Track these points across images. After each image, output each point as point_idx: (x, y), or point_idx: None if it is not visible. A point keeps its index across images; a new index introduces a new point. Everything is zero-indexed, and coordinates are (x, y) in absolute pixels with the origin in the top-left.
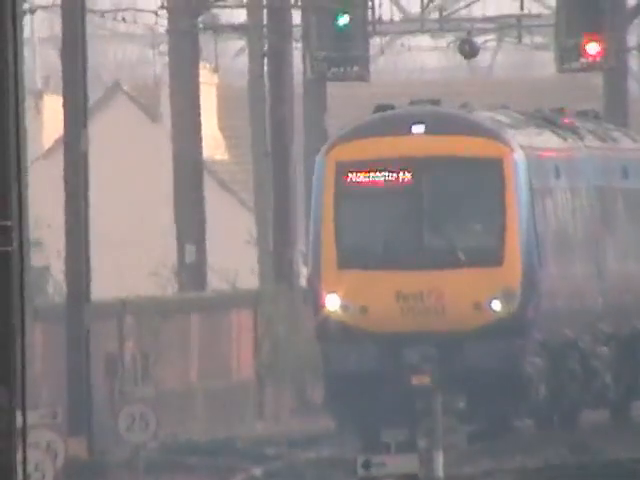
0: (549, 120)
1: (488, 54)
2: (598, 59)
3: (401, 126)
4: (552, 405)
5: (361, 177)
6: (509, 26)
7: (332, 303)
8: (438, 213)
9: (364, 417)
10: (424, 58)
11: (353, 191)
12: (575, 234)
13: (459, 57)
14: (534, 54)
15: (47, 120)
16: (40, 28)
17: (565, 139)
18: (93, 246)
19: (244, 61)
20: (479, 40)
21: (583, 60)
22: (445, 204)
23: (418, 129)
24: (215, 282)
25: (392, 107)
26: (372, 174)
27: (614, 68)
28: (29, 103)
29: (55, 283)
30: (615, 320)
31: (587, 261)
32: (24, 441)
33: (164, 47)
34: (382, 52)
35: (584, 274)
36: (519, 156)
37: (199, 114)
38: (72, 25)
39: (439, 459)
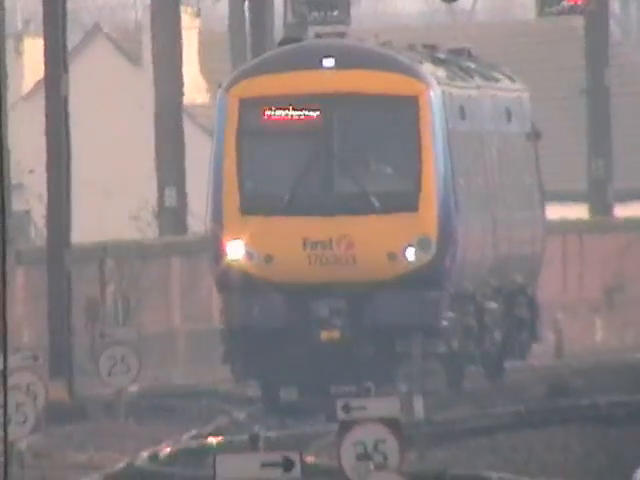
0: (435, 57)
1: None
2: (579, 2)
3: (309, 60)
4: (462, 359)
5: (266, 115)
6: None
7: (235, 251)
8: (349, 155)
9: (268, 374)
10: (405, 1)
11: (257, 131)
12: (476, 181)
13: (439, 1)
14: None
15: (28, 63)
16: None
17: (461, 78)
18: (74, 190)
19: (225, 5)
20: None
21: (564, 3)
22: (357, 145)
23: (328, 63)
24: (196, 226)
25: (299, 40)
26: (278, 112)
27: (595, 11)
28: (9, 45)
29: (36, 227)
30: (502, 274)
31: (485, 210)
32: (5, 383)
33: None
34: None
35: (483, 224)
36: (436, 94)
37: (180, 58)
38: None
39: (419, 403)
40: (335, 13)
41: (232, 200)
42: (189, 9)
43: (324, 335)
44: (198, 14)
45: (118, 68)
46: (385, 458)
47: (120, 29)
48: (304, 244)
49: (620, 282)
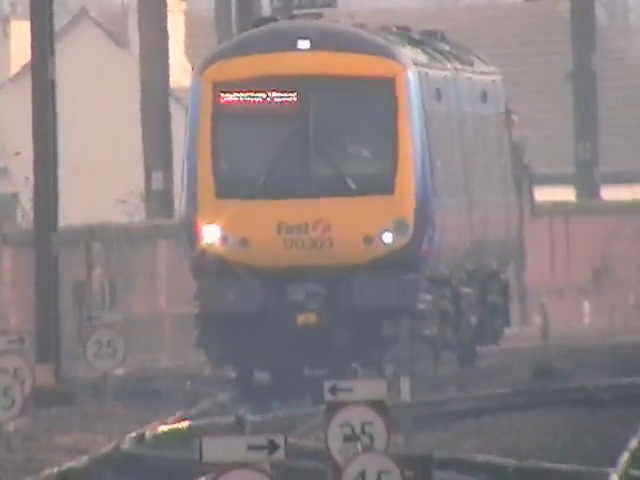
0: (411, 38)
1: None
2: None
3: (284, 42)
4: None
5: (240, 98)
6: None
7: (210, 235)
8: (325, 137)
9: (243, 358)
10: None
11: (232, 114)
12: (453, 163)
13: None
14: None
15: (14, 46)
16: None
17: (437, 60)
18: (61, 173)
19: None
20: None
21: None
22: (333, 127)
23: (303, 45)
24: None
25: (275, 20)
26: (252, 95)
27: None
28: None
29: (23, 210)
30: (477, 258)
31: (462, 193)
32: None
33: None
34: None
35: (460, 207)
36: (413, 75)
37: (167, 41)
38: None
39: (406, 385)
40: None
41: (207, 184)
42: None
43: (300, 319)
44: None
45: (105, 51)
46: (372, 440)
47: (106, 12)
48: (279, 228)
49: (607, 264)
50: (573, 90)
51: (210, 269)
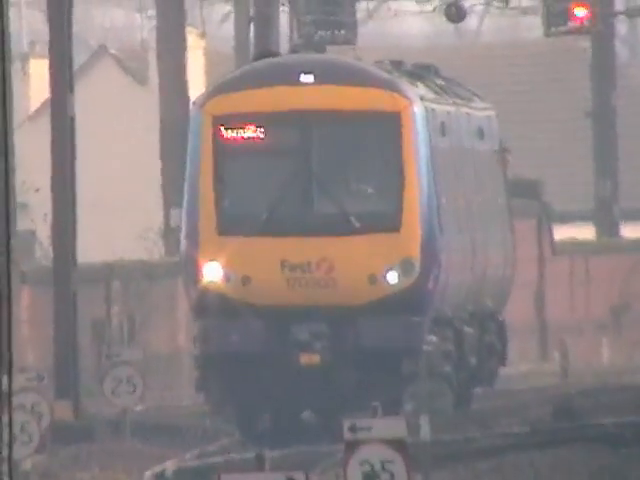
0: (413, 73)
1: (475, 18)
2: (586, 23)
3: (287, 76)
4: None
5: (242, 133)
6: None
7: (211, 273)
8: (329, 173)
9: (246, 400)
10: (411, 22)
11: (233, 149)
12: (457, 200)
13: (446, 21)
14: (521, 18)
15: (34, 83)
16: None
17: (439, 95)
18: (80, 210)
19: (231, 27)
20: (466, 4)
21: (571, 24)
22: (337, 163)
23: (307, 79)
24: None
25: (277, 54)
26: (254, 130)
27: (602, 32)
28: (16, 66)
29: (42, 247)
30: (476, 298)
31: (464, 231)
32: (10, 404)
33: (151, 11)
34: (370, 16)
35: (463, 245)
36: (419, 109)
37: (186, 78)
38: None
39: (426, 423)
40: (342, 33)
41: (209, 221)
42: (194, 30)
43: (304, 359)
44: (203, 36)
45: (124, 88)
46: (392, 478)
47: (126, 49)
48: (282, 266)
49: (627, 302)
50: (593, 127)
51: (211, 308)
